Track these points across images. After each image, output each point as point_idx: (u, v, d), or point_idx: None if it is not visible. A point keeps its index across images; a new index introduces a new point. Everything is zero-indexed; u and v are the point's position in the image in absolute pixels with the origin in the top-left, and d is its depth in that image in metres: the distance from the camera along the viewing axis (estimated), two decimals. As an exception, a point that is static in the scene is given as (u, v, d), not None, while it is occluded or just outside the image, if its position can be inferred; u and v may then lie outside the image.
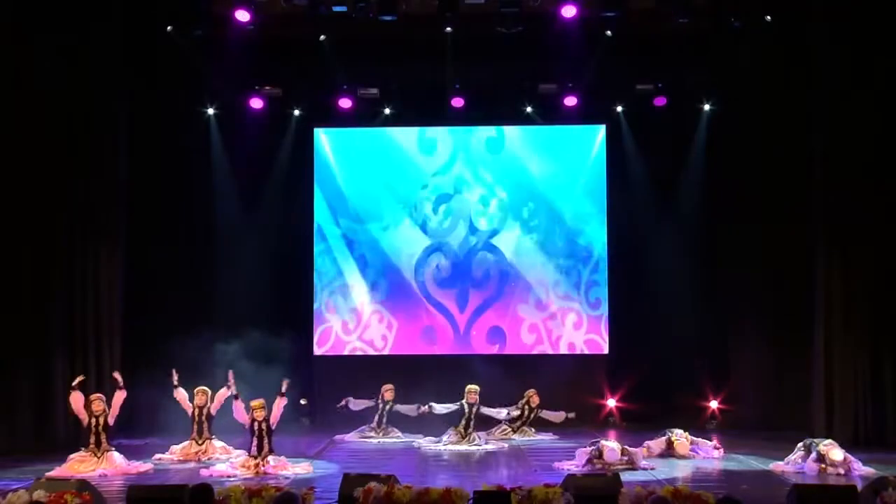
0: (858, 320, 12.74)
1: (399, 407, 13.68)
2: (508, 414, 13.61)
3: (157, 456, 11.61)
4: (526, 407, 13.79)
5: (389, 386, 13.80)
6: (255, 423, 10.85)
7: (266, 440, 10.80)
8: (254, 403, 11.01)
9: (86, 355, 12.91)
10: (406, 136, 15.83)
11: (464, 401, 13.03)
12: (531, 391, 13.91)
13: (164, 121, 14.30)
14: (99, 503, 8.51)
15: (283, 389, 11.10)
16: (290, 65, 14.60)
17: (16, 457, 11.51)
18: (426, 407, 13.41)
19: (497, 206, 15.72)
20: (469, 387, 13.13)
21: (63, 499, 8.06)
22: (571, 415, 13.74)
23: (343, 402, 13.88)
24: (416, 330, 15.61)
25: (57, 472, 10.31)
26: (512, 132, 15.77)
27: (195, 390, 12.05)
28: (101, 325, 13.10)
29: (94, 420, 10.88)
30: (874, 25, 12.56)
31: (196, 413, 11.91)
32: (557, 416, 13.77)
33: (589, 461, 10.63)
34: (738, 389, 14.71)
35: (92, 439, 10.80)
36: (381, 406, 13.69)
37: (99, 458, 10.66)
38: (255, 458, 10.66)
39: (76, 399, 11.00)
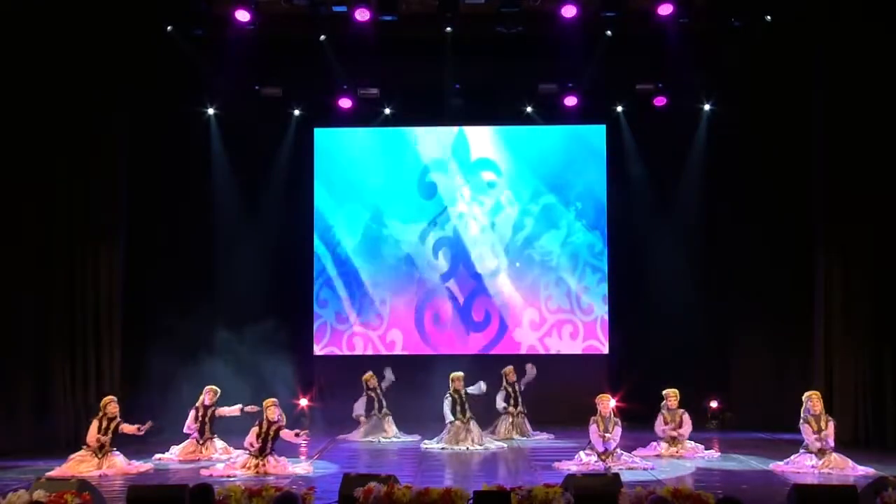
0: (858, 320, 12.76)
1: (384, 384, 13.76)
2: (504, 408, 13.65)
3: (158, 456, 11.62)
4: (507, 387, 13.83)
5: (369, 374, 13.82)
6: (266, 423, 10.83)
7: (271, 442, 10.78)
8: (267, 402, 11.01)
9: (86, 355, 12.93)
10: (407, 158, 15.81)
11: (450, 390, 12.97)
12: (507, 368, 13.96)
13: (164, 121, 14.29)
14: (99, 503, 8.51)
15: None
16: (290, 65, 14.59)
17: (16, 457, 11.51)
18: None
19: (498, 247, 15.68)
20: (452, 375, 13.05)
21: (63, 499, 8.05)
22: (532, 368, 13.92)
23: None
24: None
25: (57, 471, 10.30)
26: (511, 168, 15.72)
27: (205, 389, 12.09)
28: (100, 325, 13.12)
29: (105, 422, 10.86)
30: (874, 25, 12.57)
31: (201, 413, 11.92)
32: (530, 373, 13.88)
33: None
34: (738, 389, 14.71)
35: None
36: (372, 395, 13.71)
37: (100, 458, 10.65)
38: (256, 457, 10.64)
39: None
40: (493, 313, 15.63)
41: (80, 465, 10.51)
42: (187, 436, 11.91)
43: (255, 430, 10.82)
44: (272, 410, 10.91)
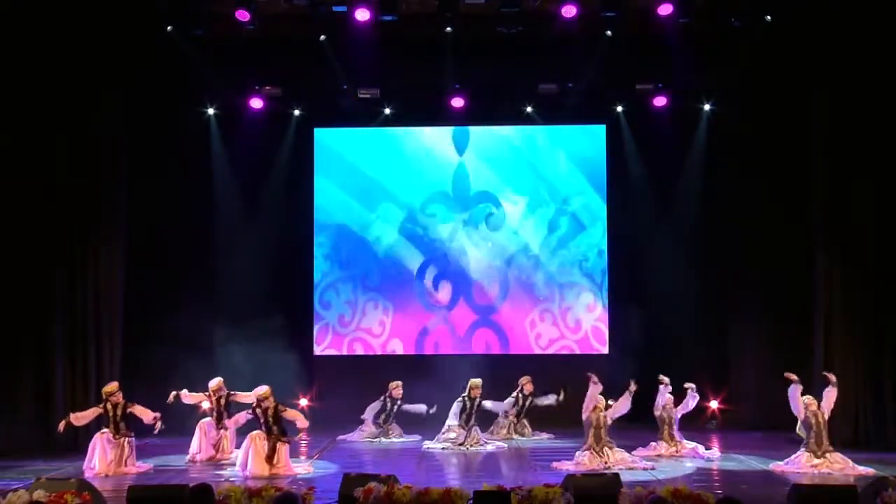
0: (858, 320, 12.74)
1: (407, 406, 13.68)
2: (506, 413, 13.68)
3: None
4: (520, 395, 13.83)
5: (397, 383, 13.74)
6: (260, 411, 10.87)
7: (275, 427, 10.75)
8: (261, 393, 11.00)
9: (86, 356, 12.92)
10: (408, 174, 15.81)
11: (466, 395, 12.98)
12: (525, 378, 13.96)
13: (164, 121, 14.29)
14: (99, 503, 8.51)
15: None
16: (290, 65, 14.58)
17: (16, 457, 11.51)
18: (434, 409, 13.47)
19: (499, 272, 15.68)
20: (472, 381, 13.05)
21: (63, 499, 8.06)
22: (561, 397, 13.84)
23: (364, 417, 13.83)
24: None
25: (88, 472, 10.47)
26: (511, 182, 15.71)
27: (210, 383, 12.11)
28: (101, 325, 13.11)
29: (111, 409, 10.96)
30: (874, 25, 12.56)
31: (214, 402, 11.96)
32: (548, 399, 13.90)
33: None
34: (738, 389, 14.70)
35: (111, 427, 10.88)
36: (389, 405, 13.68)
37: (118, 440, 10.76)
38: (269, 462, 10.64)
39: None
40: (493, 344, 15.61)
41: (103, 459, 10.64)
42: (188, 436, 11.91)
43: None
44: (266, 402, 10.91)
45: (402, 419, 13.78)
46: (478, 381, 13.07)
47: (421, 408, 13.69)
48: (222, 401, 12.00)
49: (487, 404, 13.28)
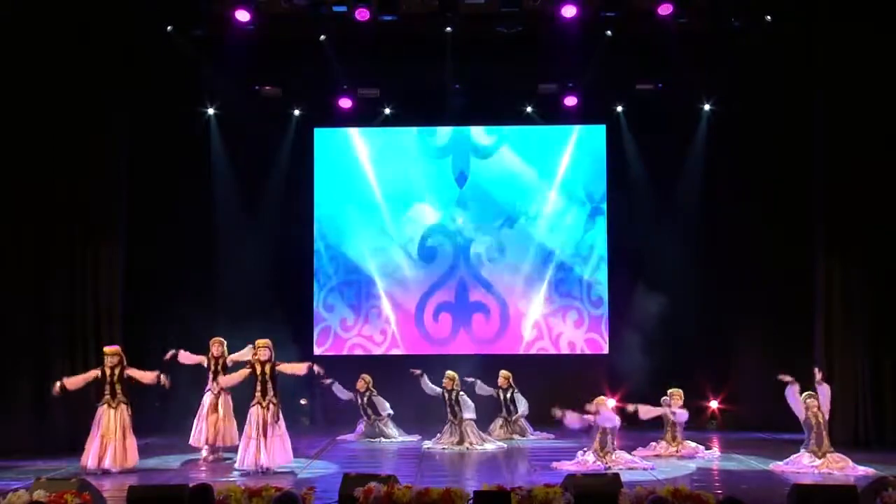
0: (858, 320, 12.75)
1: (480, 389, 13.61)
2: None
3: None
4: (500, 391, 13.80)
5: (362, 377, 13.76)
6: (259, 366, 10.75)
7: (270, 384, 10.71)
8: (259, 342, 10.87)
9: (86, 356, 12.87)
10: (409, 185, 15.81)
11: (442, 389, 12.97)
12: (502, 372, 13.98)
13: (164, 121, 14.29)
14: (99, 503, 8.51)
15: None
16: (290, 65, 14.60)
17: (16, 457, 11.50)
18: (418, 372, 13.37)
19: (499, 314, 15.67)
20: (447, 373, 13.05)
21: (63, 499, 8.05)
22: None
23: (328, 382, 13.77)
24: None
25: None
26: (510, 235, 15.70)
27: (211, 341, 12.04)
28: (100, 325, 13.08)
29: (108, 371, 10.84)
30: (874, 25, 12.57)
31: (212, 363, 11.91)
32: (488, 390, 13.79)
33: None
34: (738, 389, 14.71)
35: (107, 390, 10.81)
36: (358, 399, 13.70)
37: (115, 407, 10.72)
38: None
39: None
40: (494, 345, 15.57)
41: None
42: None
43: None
44: (262, 351, 10.79)
45: (402, 420, 13.76)
46: (450, 372, 13.05)
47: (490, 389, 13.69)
48: (220, 362, 11.94)
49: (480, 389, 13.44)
